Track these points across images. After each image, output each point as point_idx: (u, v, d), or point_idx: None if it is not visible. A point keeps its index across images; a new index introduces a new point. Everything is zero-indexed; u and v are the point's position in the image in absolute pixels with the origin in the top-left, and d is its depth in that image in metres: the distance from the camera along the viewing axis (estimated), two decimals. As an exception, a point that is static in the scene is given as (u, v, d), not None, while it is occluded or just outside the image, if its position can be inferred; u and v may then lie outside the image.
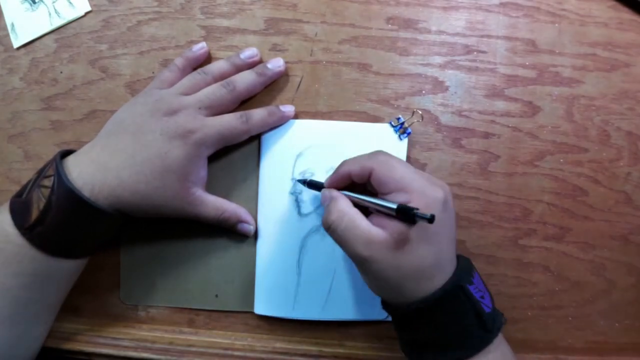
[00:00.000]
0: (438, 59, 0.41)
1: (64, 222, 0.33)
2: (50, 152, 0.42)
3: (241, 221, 0.39)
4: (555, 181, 0.41)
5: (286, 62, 0.40)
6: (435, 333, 0.31)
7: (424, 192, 0.30)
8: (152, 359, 0.40)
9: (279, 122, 0.40)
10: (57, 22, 0.42)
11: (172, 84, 0.38)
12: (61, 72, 0.42)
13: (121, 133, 0.36)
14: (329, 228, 0.32)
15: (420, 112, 0.40)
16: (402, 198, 0.30)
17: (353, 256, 0.31)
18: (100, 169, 0.34)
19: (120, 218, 0.36)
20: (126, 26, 0.41)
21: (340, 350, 0.41)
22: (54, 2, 0.42)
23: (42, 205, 0.33)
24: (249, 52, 0.40)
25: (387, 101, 0.40)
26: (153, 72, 0.41)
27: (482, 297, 0.32)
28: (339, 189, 0.35)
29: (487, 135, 0.41)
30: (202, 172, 0.37)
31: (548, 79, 0.41)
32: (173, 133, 0.35)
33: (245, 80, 0.38)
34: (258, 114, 0.38)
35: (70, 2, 0.42)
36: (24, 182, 0.42)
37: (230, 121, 0.37)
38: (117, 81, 0.41)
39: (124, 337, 0.41)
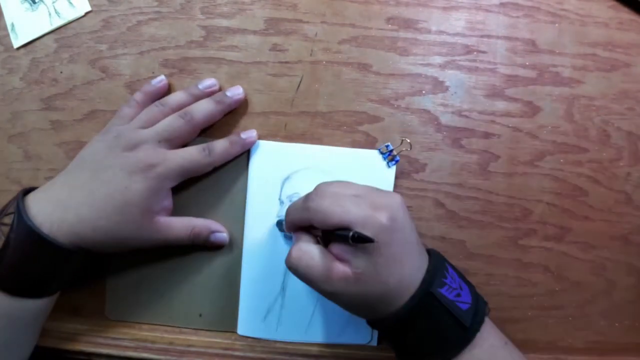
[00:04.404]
0: (438, 59, 0.41)
1: (23, 260, 0.32)
2: (50, 152, 0.42)
3: (213, 231, 0.39)
4: (555, 181, 0.41)
5: (286, 62, 0.41)
6: (415, 341, 0.31)
7: (365, 224, 0.29)
8: (152, 359, 0.40)
9: (242, 150, 0.39)
10: (57, 22, 0.42)
11: (131, 119, 0.38)
12: (61, 72, 0.42)
13: (80, 170, 0.36)
14: (290, 269, 0.32)
15: (409, 141, 0.40)
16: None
17: (318, 291, 0.32)
18: (60, 206, 0.34)
19: (84, 256, 0.35)
20: (126, 26, 0.41)
21: (341, 350, 0.41)
22: (54, 2, 0.42)
23: (0, 243, 0.32)
24: (208, 82, 0.40)
25: (387, 101, 0.40)
26: (153, 72, 0.41)
27: (457, 295, 0.31)
28: None
29: (487, 135, 0.41)
30: (166, 202, 0.37)
31: (548, 79, 0.41)
32: (133, 168, 0.35)
33: (202, 109, 0.38)
34: (220, 146, 0.38)
35: (70, 2, 0.42)
36: (24, 182, 0.42)
37: (192, 154, 0.37)
38: (117, 81, 0.41)
39: (124, 337, 0.41)
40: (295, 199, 0.39)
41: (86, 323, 0.41)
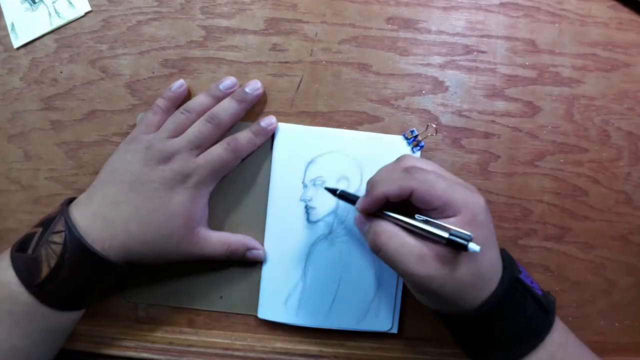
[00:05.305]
0: (438, 59, 0.41)
1: (76, 277, 0.33)
2: (50, 152, 0.42)
3: (249, 248, 0.39)
4: (555, 181, 0.41)
5: (286, 62, 0.41)
6: (504, 330, 0.31)
7: (467, 203, 0.30)
8: (152, 359, 0.40)
9: (265, 138, 0.40)
10: (57, 22, 0.42)
11: (158, 127, 0.38)
12: (61, 72, 0.42)
13: (117, 184, 0.36)
14: (380, 250, 0.31)
15: (434, 126, 0.40)
16: (449, 212, 0.30)
17: (408, 275, 0.30)
18: (108, 224, 0.35)
19: (126, 268, 0.36)
20: (126, 26, 0.41)
21: (341, 350, 0.41)
22: (54, 2, 0.42)
23: (53, 263, 0.33)
24: (229, 83, 0.39)
25: (387, 101, 0.40)
26: (153, 72, 0.41)
27: (532, 282, 0.32)
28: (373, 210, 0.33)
29: (487, 135, 0.41)
30: (205, 208, 0.38)
31: (548, 79, 0.41)
32: (172, 181, 0.36)
33: (227, 110, 0.38)
34: (244, 138, 0.38)
35: (70, 2, 0.42)
36: (23, 182, 0.42)
37: (220, 155, 0.37)
38: (117, 81, 0.41)
39: (124, 337, 0.41)
40: (319, 182, 0.39)
41: (86, 323, 0.41)
